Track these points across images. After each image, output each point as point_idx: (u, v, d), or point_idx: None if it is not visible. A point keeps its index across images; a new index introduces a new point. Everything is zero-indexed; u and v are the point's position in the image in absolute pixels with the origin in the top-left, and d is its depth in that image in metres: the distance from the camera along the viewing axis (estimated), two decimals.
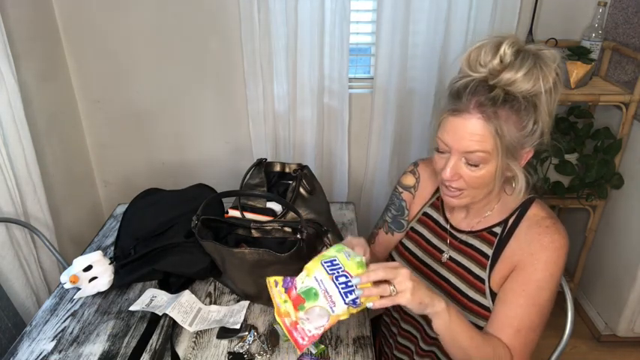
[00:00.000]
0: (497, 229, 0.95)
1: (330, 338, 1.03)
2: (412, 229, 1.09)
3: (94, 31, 1.93)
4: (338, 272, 0.76)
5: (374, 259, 1.09)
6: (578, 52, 1.76)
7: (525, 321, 0.88)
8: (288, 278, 0.80)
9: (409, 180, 1.10)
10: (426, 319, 1.02)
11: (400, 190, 1.11)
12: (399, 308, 1.12)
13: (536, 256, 0.88)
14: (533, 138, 0.86)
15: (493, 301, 0.93)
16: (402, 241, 1.10)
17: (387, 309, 1.18)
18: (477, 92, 0.82)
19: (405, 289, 0.75)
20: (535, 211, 0.92)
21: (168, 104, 2.08)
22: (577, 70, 1.74)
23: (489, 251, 0.95)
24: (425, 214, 1.07)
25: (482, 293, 0.94)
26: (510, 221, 0.94)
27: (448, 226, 1.02)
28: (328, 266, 0.77)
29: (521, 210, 0.93)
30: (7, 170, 1.49)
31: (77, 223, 2.02)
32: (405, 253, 1.08)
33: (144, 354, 0.99)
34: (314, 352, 1.00)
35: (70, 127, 2.04)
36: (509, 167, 0.87)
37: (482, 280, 0.95)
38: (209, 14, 1.90)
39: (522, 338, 0.88)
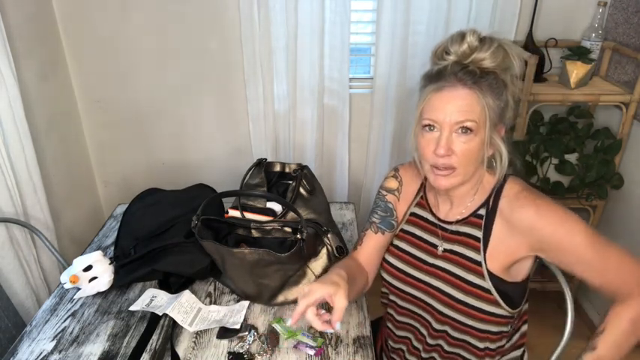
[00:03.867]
0: (482, 211, 0.98)
1: (330, 338, 1.03)
2: (402, 230, 1.11)
3: (94, 31, 1.93)
4: None
5: (361, 260, 1.10)
6: (578, 52, 1.76)
7: (604, 258, 0.91)
8: None
9: (392, 183, 1.12)
10: (432, 314, 1.04)
11: (384, 193, 1.13)
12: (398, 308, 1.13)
13: (540, 226, 0.90)
14: (506, 113, 0.94)
15: (492, 282, 0.95)
16: (394, 243, 1.11)
17: (388, 311, 1.18)
18: (456, 70, 0.90)
19: None
20: (510, 186, 0.96)
21: (169, 104, 2.08)
22: (577, 70, 1.74)
23: (479, 234, 0.98)
24: (412, 214, 1.10)
25: (482, 276, 0.96)
26: (491, 200, 0.97)
27: (437, 221, 1.05)
28: None
29: (498, 188, 0.97)
30: (7, 170, 1.49)
31: (77, 223, 2.02)
32: (399, 254, 1.09)
33: (144, 354, 0.99)
34: (313, 344, 1.01)
35: (70, 127, 2.04)
36: (492, 141, 0.92)
37: (479, 264, 0.97)
38: (209, 14, 1.90)
39: (621, 265, 0.92)
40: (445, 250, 1.03)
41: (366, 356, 0.99)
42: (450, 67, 0.91)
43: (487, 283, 0.96)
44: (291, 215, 1.18)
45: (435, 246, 1.04)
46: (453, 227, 1.02)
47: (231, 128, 2.12)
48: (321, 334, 1.04)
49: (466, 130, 0.89)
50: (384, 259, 1.12)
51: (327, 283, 0.87)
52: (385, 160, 2.09)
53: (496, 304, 0.96)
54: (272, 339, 1.03)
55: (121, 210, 1.50)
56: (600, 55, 1.86)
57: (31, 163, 1.58)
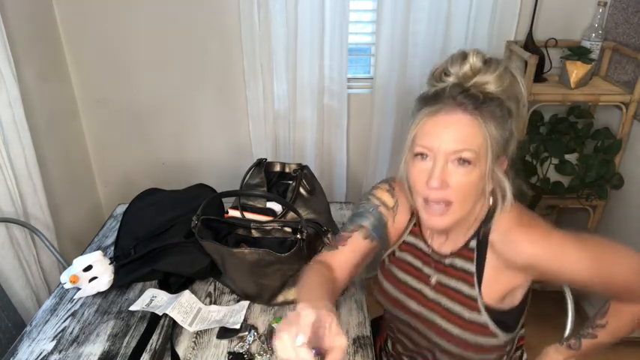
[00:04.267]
0: (473, 243, 0.91)
1: None
2: (396, 256, 1.03)
3: (94, 31, 1.93)
4: None
5: (338, 263, 0.98)
6: (578, 52, 1.76)
7: (610, 277, 0.86)
8: None
9: (388, 199, 1.01)
10: (430, 341, 0.99)
11: (377, 203, 1.01)
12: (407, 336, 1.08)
13: (538, 262, 0.84)
14: (510, 145, 0.85)
15: (490, 316, 0.90)
16: (388, 267, 1.04)
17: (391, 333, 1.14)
18: (456, 93, 0.80)
19: None
20: (500, 216, 0.88)
21: (169, 104, 2.08)
22: (577, 70, 1.74)
23: (472, 267, 0.91)
24: (405, 242, 1.02)
25: (478, 311, 0.90)
26: (481, 232, 0.90)
27: (430, 251, 0.97)
28: None
29: (486, 220, 0.90)
30: (7, 170, 1.49)
31: (77, 223, 2.02)
32: (393, 280, 1.03)
33: (144, 354, 0.99)
34: None
35: (70, 127, 2.04)
36: (493, 175, 0.83)
37: (474, 299, 0.91)
38: (209, 14, 1.90)
39: (626, 276, 0.86)
40: (438, 283, 0.97)
41: (366, 356, 0.99)
42: (449, 90, 0.81)
43: (483, 318, 0.90)
44: (291, 215, 1.18)
45: (429, 276, 0.98)
46: (447, 260, 0.95)
47: (231, 128, 2.12)
48: None
49: (464, 161, 0.79)
50: (379, 282, 1.06)
51: (327, 309, 0.71)
52: (385, 160, 2.09)
53: (494, 335, 0.91)
54: (272, 339, 1.03)
55: (121, 210, 1.50)
56: (600, 55, 1.86)
57: (31, 163, 1.58)
